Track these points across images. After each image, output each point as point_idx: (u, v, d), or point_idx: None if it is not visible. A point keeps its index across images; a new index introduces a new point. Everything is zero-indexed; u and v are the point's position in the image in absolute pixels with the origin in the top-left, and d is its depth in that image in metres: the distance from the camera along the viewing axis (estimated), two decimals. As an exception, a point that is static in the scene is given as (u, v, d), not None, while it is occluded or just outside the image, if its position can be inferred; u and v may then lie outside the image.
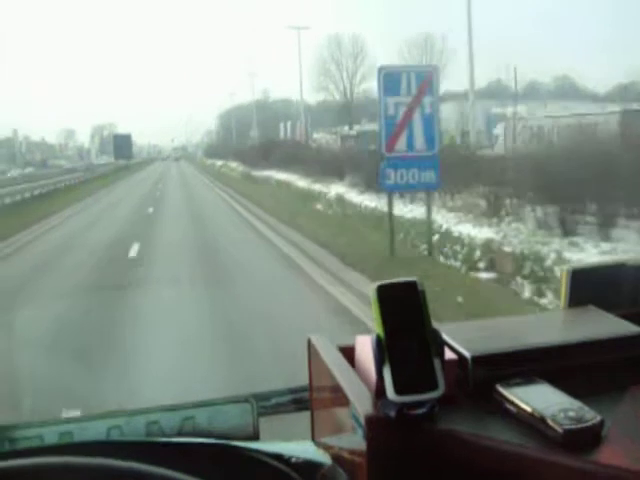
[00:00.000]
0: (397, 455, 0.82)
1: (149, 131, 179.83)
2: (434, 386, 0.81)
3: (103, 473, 0.72)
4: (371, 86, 47.44)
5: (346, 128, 50.46)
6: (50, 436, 0.99)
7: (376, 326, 0.83)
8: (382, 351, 0.82)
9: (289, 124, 64.29)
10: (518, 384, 0.88)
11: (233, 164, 48.96)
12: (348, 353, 1.01)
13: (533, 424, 0.81)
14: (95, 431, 1.01)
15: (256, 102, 73.91)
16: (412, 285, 0.85)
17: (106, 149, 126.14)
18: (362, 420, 0.83)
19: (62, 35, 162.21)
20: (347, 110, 55.64)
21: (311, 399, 1.11)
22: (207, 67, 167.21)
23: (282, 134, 61.73)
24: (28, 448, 0.93)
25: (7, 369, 4.66)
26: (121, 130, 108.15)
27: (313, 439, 1.08)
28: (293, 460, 0.92)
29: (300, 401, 1.17)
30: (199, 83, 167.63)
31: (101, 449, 0.81)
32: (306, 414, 1.13)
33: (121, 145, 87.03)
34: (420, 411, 0.82)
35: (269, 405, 1.15)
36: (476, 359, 0.91)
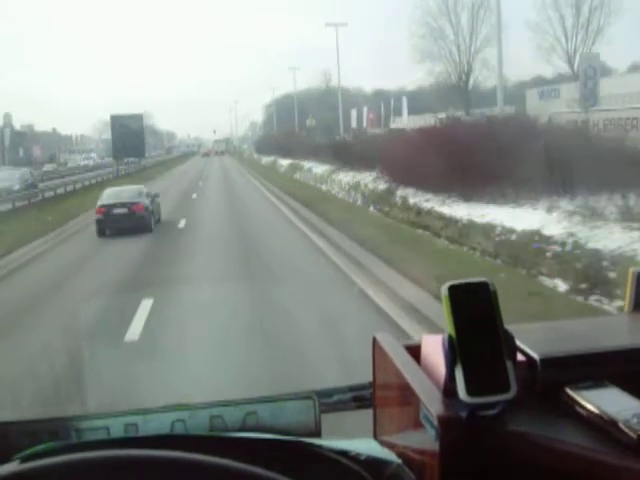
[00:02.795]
0: (468, 455, 0.87)
1: (189, 123, 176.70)
2: (506, 388, 0.86)
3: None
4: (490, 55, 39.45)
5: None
6: (116, 427, 1.08)
7: (448, 326, 0.88)
8: (454, 351, 0.87)
9: (354, 112, 60.42)
10: (587, 387, 0.93)
11: (305, 164, 39.11)
12: (414, 352, 1.07)
13: (605, 428, 0.85)
14: (159, 423, 1.10)
15: (314, 89, 71.53)
16: (484, 285, 0.90)
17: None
18: (434, 420, 0.88)
19: (94, 15, 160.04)
20: (461, 90, 46.08)
21: (374, 397, 1.19)
22: (253, 50, 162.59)
23: (354, 122, 57.71)
24: (93, 441, 0.98)
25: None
26: (159, 122, 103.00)
27: (375, 437, 1.15)
28: (360, 457, 0.98)
29: (362, 399, 1.26)
30: (244, 69, 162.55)
31: (168, 443, 0.86)
32: (367, 412, 1.20)
33: (124, 134, 52.24)
34: (491, 412, 0.87)
35: (330, 402, 1.24)
36: (544, 361, 0.96)
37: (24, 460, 0.83)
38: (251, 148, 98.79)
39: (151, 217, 17.79)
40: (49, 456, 0.80)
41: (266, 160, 57.47)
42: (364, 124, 58.72)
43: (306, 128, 63.01)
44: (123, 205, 17.33)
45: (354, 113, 61.50)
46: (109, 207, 17.37)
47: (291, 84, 78.75)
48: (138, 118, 55.44)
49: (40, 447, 0.90)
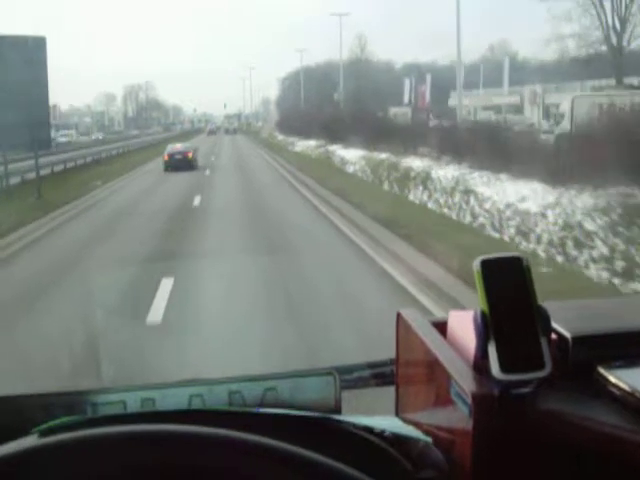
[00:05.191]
0: (502, 434, 0.89)
1: (197, 98, 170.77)
2: (541, 365, 0.87)
3: (230, 445, 0.80)
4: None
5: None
6: (132, 402, 1.11)
7: (480, 301, 0.89)
8: (486, 327, 0.88)
9: (407, 83, 56.29)
10: (620, 366, 0.95)
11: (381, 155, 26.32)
12: (440, 328, 1.09)
13: (638, 408, 0.88)
14: (177, 398, 1.13)
15: (334, 61, 66.57)
16: (517, 260, 0.91)
17: (140, 118, 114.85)
18: (467, 397, 0.89)
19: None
20: (614, 56, 36.68)
21: (397, 374, 1.22)
22: (268, 17, 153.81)
23: (406, 98, 54.00)
24: (111, 416, 1.01)
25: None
26: (165, 96, 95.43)
27: (397, 414, 1.18)
28: (386, 434, 1.00)
29: (383, 375, 1.28)
30: (258, 37, 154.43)
31: (187, 417, 0.90)
32: (388, 389, 1.24)
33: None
34: (525, 390, 0.89)
35: (351, 379, 1.27)
36: (576, 339, 0.98)
37: (43, 434, 0.84)
38: (266, 125, 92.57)
39: (196, 160, 30.59)
40: (67, 430, 0.83)
41: (302, 145, 43.71)
42: (408, 99, 55.09)
43: (333, 103, 59.33)
44: (179, 153, 30.06)
45: (407, 85, 56.11)
46: (171, 155, 29.89)
47: (308, 57, 71.14)
48: (34, 46, 35.94)
49: (58, 421, 0.91)
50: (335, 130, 37.06)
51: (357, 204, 15.48)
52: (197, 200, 18.42)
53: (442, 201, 15.85)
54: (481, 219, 13.39)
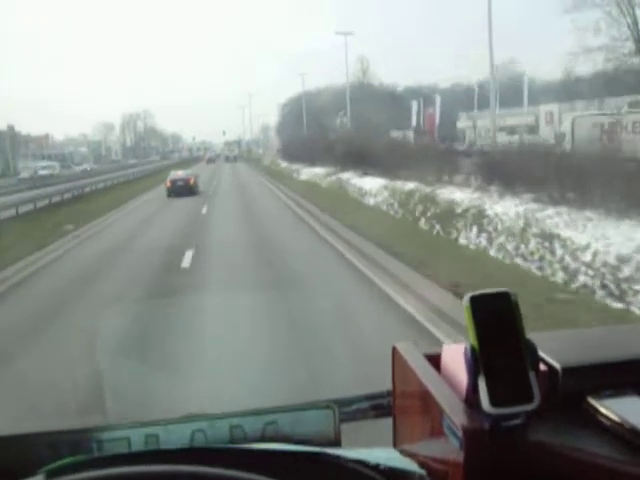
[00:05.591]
0: (492, 466, 0.91)
1: (197, 126, 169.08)
2: (530, 398, 0.89)
3: None
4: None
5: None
6: (137, 438, 1.14)
7: (469, 336, 0.92)
8: (476, 362, 0.91)
9: (415, 106, 54.56)
10: (609, 396, 0.97)
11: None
12: (434, 361, 1.11)
13: (628, 438, 0.89)
14: (180, 434, 1.15)
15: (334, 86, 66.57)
16: (505, 295, 0.94)
17: (138, 147, 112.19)
18: (458, 430, 0.92)
19: (99, 15, 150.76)
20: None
21: (394, 406, 1.23)
22: (267, 48, 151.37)
23: (414, 121, 52.42)
24: (118, 455, 1.05)
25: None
26: (164, 125, 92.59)
27: (395, 446, 1.20)
28: (381, 467, 1.02)
29: (381, 407, 1.30)
30: (256, 68, 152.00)
31: (190, 456, 0.93)
32: (386, 421, 1.25)
33: None
34: (514, 423, 0.91)
35: (350, 411, 1.29)
36: (565, 370, 1.00)
37: (49, 475, 0.86)
38: (267, 152, 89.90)
39: (197, 186, 32.83)
40: (74, 471, 0.84)
41: (309, 173, 39.36)
42: (416, 122, 53.40)
43: (335, 128, 57.43)
44: (181, 180, 32.12)
45: (415, 108, 54.33)
46: (173, 181, 31.96)
47: (308, 82, 69.60)
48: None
49: (65, 461, 0.93)
50: (345, 156, 33.39)
51: (398, 253, 11.62)
52: (187, 261, 12.52)
53: (510, 247, 11.98)
54: (582, 277, 9.53)
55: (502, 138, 36.97)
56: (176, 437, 1.15)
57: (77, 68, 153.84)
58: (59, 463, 0.89)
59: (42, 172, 58.27)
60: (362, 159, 30.06)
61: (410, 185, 20.80)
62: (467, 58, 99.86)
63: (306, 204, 23.06)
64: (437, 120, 52.35)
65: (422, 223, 16.44)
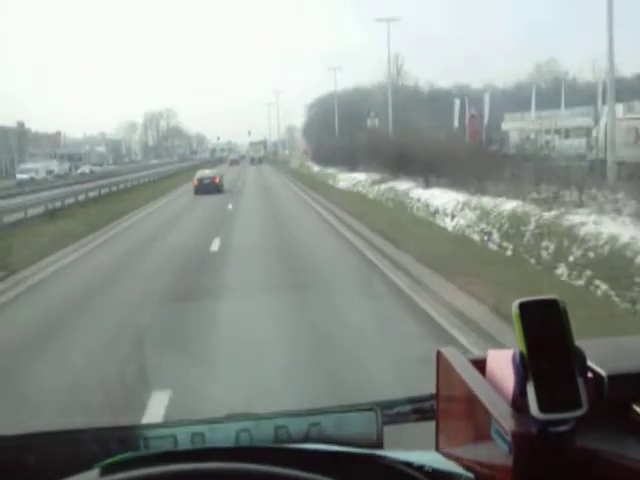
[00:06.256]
0: (541, 472, 0.91)
1: (222, 127, 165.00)
2: (578, 405, 0.89)
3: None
4: None
5: None
6: (183, 437, 1.15)
7: (518, 342, 0.92)
8: (525, 368, 0.91)
9: (457, 105, 49.22)
10: None
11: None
12: (479, 366, 1.11)
13: None
14: (225, 433, 1.17)
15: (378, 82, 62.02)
16: (554, 302, 0.94)
17: (161, 147, 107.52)
18: (507, 435, 0.92)
19: (124, 14, 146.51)
20: None
21: (437, 409, 1.23)
22: (294, 47, 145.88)
23: (456, 122, 46.93)
24: (168, 452, 1.03)
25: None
26: (188, 126, 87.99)
27: (437, 449, 1.20)
28: (426, 469, 1.00)
29: (423, 411, 1.30)
30: (283, 67, 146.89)
31: (237, 454, 0.93)
32: (428, 424, 1.26)
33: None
34: (562, 429, 0.90)
35: (392, 414, 1.28)
36: (612, 378, 0.99)
37: (104, 471, 0.87)
38: (294, 153, 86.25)
39: (222, 185, 35.20)
40: (125, 468, 0.85)
41: (348, 180, 33.16)
42: (458, 123, 47.84)
43: (367, 129, 51.72)
44: (208, 178, 34.97)
45: (457, 107, 49.15)
46: (200, 180, 34.63)
47: (340, 78, 65.85)
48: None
49: (117, 458, 0.93)
50: (396, 161, 27.46)
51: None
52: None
53: None
54: None
55: (560, 143, 32.69)
56: (222, 436, 1.15)
57: (100, 65, 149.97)
58: (111, 460, 0.89)
59: (21, 176, 49.20)
60: (420, 165, 24.18)
61: (508, 205, 14.76)
62: (506, 57, 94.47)
63: (360, 228, 16.84)
64: (486, 121, 47.34)
65: (563, 272, 10.34)
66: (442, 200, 18.23)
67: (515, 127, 48.81)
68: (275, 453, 0.99)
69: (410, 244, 13.12)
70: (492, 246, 13.60)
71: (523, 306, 0.93)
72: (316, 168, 52.45)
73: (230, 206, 25.23)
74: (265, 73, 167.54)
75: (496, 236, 13.74)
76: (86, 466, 0.90)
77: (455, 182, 20.30)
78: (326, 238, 16.21)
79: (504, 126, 51.22)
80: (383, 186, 25.81)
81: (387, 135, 42.36)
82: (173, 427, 1.17)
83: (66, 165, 62.63)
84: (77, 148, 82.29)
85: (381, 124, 52.18)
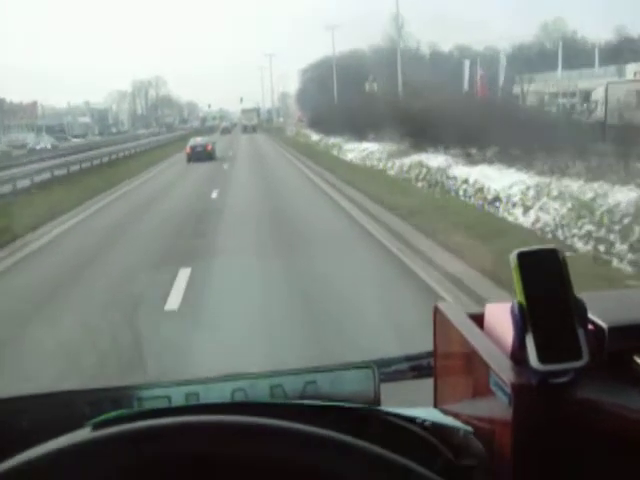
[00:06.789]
0: (541, 423, 0.90)
1: (213, 94, 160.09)
2: (578, 355, 0.88)
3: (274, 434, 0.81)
4: None
5: None
6: (177, 396, 1.14)
7: (517, 293, 0.91)
8: (524, 319, 0.90)
9: (467, 66, 45.05)
10: None
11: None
12: (477, 321, 1.10)
13: None
14: (220, 393, 1.15)
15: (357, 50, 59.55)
16: (553, 253, 0.92)
17: (151, 116, 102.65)
18: (507, 387, 0.91)
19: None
20: None
21: (435, 366, 1.22)
22: (285, 8, 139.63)
23: (466, 85, 43.39)
24: (162, 409, 1.00)
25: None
26: (178, 93, 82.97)
27: (435, 406, 1.18)
28: (426, 424, 1.00)
29: (420, 368, 1.31)
30: (276, 30, 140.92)
31: (234, 410, 0.91)
32: (425, 382, 1.26)
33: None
34: (562, 380, 0.89)
35: (389, 372, 1.29)
36: (612, 329, 0.98)
37: (95, 427, 0.85)
38: (288, 121, 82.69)
39: (215, 152, 35.50)
40: (119, 424, 0.83)
41: (356, 151, 28.57)
42: (468, 86, 44.08)
43: (365, 94, 49.03)
44: (200, 146, 35.08)
45: (467, 69, 45.00)
46: (193, 147, 34.83)
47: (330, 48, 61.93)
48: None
49: (109, 415, 0.91)
50: (418, 129, 22.66)
51: None
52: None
53: None
54: None
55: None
56: (216, 395, 1.15)
57: (83, 31, 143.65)
58: (103, 417, 0.87)
59: None
60: (451, 134, 19.43)
61: (621, 194, 10.04)
62: (511, 16, 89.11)
63: (414, 238, 11.23)
64: (501, 82, 43.58)
65: None
66: (502, 183, 13.46)
67: (531, 90, 45.17)
68: (272, 409, 0.96)
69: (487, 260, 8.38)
70: (605, 257, 8.91)
71: (522, 256, 0.91)
72: (315, 137, 47.39)
73: (214, 195, 18.88)
74: (257, 35, 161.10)
75: (616, 243, 9.02)
76: (79, 427, 0.86)
77: (504, 156, 15.62)
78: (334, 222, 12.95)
79: (516, 89, 47.61)
80: (406, 160, 20.93)
81: (398, 99, 37.66)
82: (167, 387, 1.15)
83: (45, 138, 57.46)
84: (59, 119, 76.84)
85: (386, 88, 48.21)
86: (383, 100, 38.15)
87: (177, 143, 49.49)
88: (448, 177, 16.20)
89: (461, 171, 16.06)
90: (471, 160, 17.12)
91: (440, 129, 21.00)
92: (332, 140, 39.04)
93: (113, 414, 0.90)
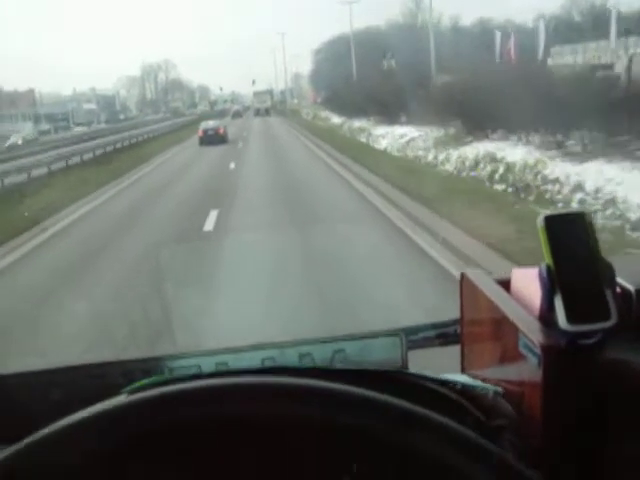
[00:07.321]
0: (570, 384, 0.90)
1: (225, 78, 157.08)
2: (607, 316, 0.88)
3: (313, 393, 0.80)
4: None
5: None
6: (207, 365, 1.14)
7: (545, 256, 0.91)
8: (552, 281, 0.90)
9: (498, 37, 40.06)
10: None
11: None
12: (504, 286, 1.10)
13: None
14: (249, 362, 1.16)
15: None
16: (580, 216, 0.92)
17: (158, 103, 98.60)
18: (536, 348, 0.91)
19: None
20: None
21: (462, 333, 1.23)
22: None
23: (498, 57, 38.90)
24: (195, 374, 1.01)
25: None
26: (186, 73, 79.20)
27: (462, 372, 1.19)
28: (457, 387, 1.00)
29: (447, 335, 1.31)
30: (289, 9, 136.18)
31: (263, 375, 0.91)
32: (453, 349, 1.26)
33: None
34: (591, 341, 0.89)
35: (416, 339, 1.29)
36: None
37: (132, 393, 0.86)
38: (303, 102, 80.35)
39: (227, 135, 35.18)
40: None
41: (391, 137, 23.94)
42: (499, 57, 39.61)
43: (384, 73, 45.53)
44: (212, 129, 34.89)
45: (498, 40, 40.29)
46: (205, 131, 34.52)
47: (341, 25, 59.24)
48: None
49: (143, 382, 0.91)
50: (469, 110, 18.10)
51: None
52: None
53: None
54: None
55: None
56: (246, 364, 1.15)
57: (91, 15, 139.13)
58: (137, 384, 0.89)
59: None
60: (520, 117, 14.91)
61: None
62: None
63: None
64: (540, 55, 39.19)
65: None
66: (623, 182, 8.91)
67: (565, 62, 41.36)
68: (304, 372, 0.94)
69: None
70: None
71: (549, 219, 0.91)
72: (336, 120, 42.83)
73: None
74: (267, 15, 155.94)
75: None
76: (114, 396, 0.87)
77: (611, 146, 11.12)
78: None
79: (551, 62, 43.41)
80: (465, 151, 16.33)
81: (430, 75, 33.10)
82: (197, 357, 1.16)
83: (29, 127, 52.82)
84: (63, 106, 72.34)
85: (408, 64, 44.06)
86: (413, 77, 33.75)
87: (177, 133, 45.05)
88: (546, 179, 11.56)
89: (561, 169, 11.50)
90: (566, 152, 12.57)
91: (500, 110, 16.51)
92: (357, 123, 34.51)
93: (147, 381, 0.90)
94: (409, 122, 26.34)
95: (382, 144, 24.20)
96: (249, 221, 11.87)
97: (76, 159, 27.07)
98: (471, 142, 17.19)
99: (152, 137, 42.97)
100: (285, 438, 0.79)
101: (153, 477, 0.82)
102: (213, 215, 12.23)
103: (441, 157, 17.48)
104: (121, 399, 0.81)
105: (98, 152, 30.32)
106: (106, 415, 0.77)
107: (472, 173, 14.38)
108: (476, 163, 14.80)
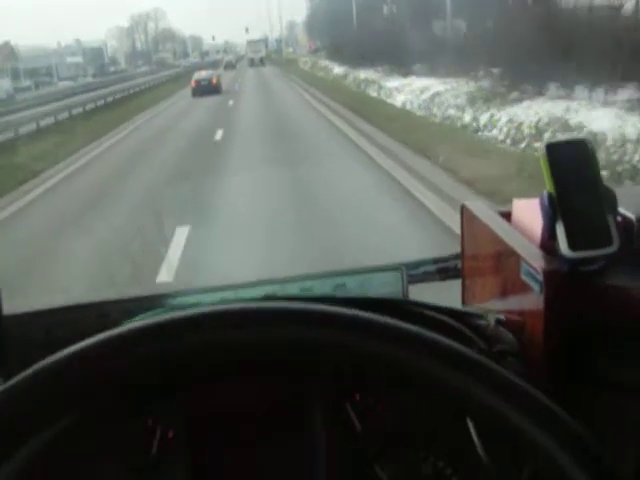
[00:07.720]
0: (572, 309, 0.91)
1: (217, 27, 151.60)
2: (609, 242, 0.88)
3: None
4: None
5: None
6: (208, 302, 1.13)
7: (547, 183, 0.91)
8: (554, 208, 0.90)
9: None
10: None
11: None
12: (505, 217, 1.10)
13: None
14: (252, 297, 1.14)
15: None
16: (582, 144, 0.92)
17: (149, 54, 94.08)
18: (539, 275, 0.91)
19: None
20: None
21: (463, 267, 1.23)
22: None
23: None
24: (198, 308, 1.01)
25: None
26: (177, 22, 76.70)
27: (463, 304, 1.21)
28: (458, 314, 1.01)
29: (448, 270, 1.31)
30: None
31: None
32: (454, 282, 1.26)
33: None
34: (593, 267, 0.90)
35: (417, 273, 1.29)
36: None
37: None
38: (298, 51, 78.42)
39: (220, 85, 34.96)
40: None
41: (403, 90, 20.59)
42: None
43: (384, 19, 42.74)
44: (205, 80, 34.59)
45: None
46: (198, 81, 34.18)
47: None
48: None
49: (146, 314, 0.94)
50: (503, 55, 14.52)
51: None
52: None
53: None
54: None
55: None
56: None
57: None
58: (139, 317, 0.89)
59: None
60: (588, 64, 11.37)
61: None
62: None
63: None
64: None
65: None
66: None
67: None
68: (307, 301, 0.92)
69: None
70: None
71: (550, 147, 0.90)
72: (338, 70, 38.88)
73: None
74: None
75: None
76: None
77: None
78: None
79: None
80: (520, 111, 12.73)
81: (444, 17, 29.20)
82: (198, 294, 1.17)
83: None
84: (45, 60, 68.00)
85: (416, 7, 40.03)
86: (423, 20, 29.81)
87: (155, 90, 40.53)
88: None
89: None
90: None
91: (560, 58, 12.95)
92: (362, 74, 30.69)
93: (150, 313, 0.90)
94: (426, 73, 22.67)
95: (398, 100, 20.42)
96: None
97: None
98: (521, 100, 13.59)
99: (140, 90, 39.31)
100: (298, 365, 0.80)
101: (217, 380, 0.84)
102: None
103: (482, 118, 13.87)
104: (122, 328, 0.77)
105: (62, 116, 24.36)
106: (110, 340, 0.73)
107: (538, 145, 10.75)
108: (538, 131, 11.18)
